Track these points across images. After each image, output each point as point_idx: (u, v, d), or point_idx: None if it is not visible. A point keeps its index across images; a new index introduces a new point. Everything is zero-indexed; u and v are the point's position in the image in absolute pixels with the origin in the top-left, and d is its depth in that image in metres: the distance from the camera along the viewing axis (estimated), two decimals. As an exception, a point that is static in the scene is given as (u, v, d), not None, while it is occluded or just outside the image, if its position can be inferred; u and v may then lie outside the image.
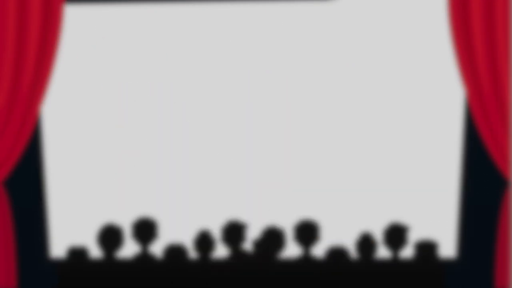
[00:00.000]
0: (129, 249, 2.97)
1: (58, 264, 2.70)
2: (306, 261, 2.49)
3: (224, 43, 3.62)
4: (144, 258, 2.48)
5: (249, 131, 3.27)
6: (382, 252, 2.54)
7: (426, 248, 2.49)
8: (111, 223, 2.72)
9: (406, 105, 3.38)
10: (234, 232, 2.49)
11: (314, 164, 3.24)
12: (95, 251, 2.96)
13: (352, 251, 2.51)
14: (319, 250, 2.55)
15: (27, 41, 3.14)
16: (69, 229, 3.13)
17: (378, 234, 2.89)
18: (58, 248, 3.37)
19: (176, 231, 3.15)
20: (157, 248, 2.89)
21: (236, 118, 3.32)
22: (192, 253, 2.58)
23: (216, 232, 3.09)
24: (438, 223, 3.61)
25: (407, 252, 2.53)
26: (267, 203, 3.67)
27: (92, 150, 3.16)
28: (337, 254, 2.47)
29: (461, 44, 3.22)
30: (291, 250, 2.57)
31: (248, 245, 2.52)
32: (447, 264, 2.49)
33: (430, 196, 3.65)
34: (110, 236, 2.53)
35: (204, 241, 2.51)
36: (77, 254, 2.68)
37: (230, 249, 2.52)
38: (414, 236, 3.59)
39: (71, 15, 3.38)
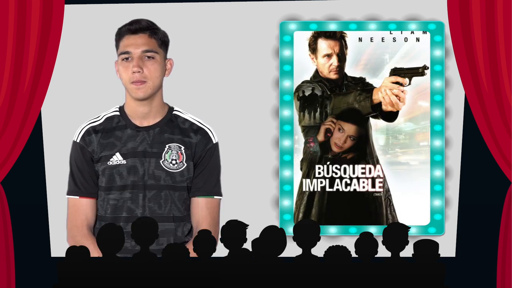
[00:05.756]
0: (129, 248, 2.97)
1: (58, 264, 2.69)
2: (306, 261, 2.50)
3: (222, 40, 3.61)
4: (144, 258, 2.48)
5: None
6: (382, 251, 2.54)
7: (426, 248, 2.49)
8: (111, 223, 2.73)
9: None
10: (233, 231, 2.49)
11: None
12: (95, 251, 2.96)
13: (352, 250, 2.51)
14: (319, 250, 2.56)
15: (27, 41, 3.15)
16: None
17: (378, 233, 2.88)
18: (58, 248, 3.37)
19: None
20: (157, 248, 2.89)
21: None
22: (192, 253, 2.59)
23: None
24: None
25: (407, 252, 2.53)
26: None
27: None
28: (337, 254, 2.47)
29: (461, 44, 3.23)
30: (291, 250, 2.58)
31: (248, 245, 2.53)
32: (447, 264, 2.50)
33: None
34: (110, 236, 2.53)
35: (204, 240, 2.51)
36: (77, 254, 2.67)
37: (230, 249, 2.52)
38: (414, 234, 3.59)
39: (71, 14, 3.39)
